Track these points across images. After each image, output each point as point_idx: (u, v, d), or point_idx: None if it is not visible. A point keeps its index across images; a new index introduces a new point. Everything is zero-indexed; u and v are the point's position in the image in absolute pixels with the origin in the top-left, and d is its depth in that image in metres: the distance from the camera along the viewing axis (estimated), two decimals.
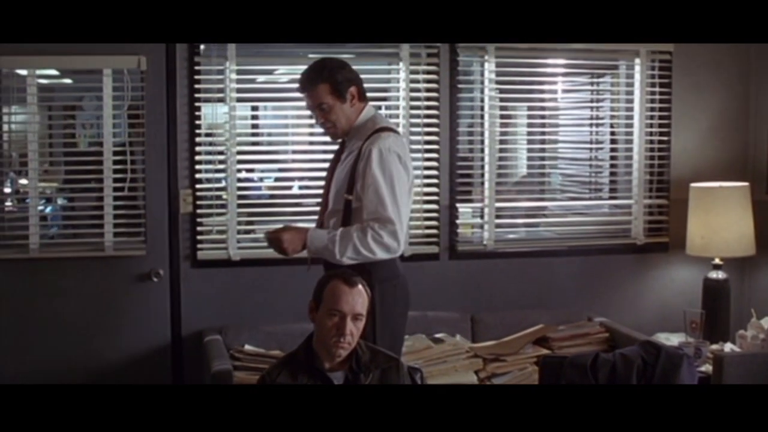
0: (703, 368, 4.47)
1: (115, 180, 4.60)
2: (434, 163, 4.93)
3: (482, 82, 5.02)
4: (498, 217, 5.10)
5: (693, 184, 5.00)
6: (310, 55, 4.63)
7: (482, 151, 5.04)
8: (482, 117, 5.03)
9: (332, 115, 3.50)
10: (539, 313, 4.89)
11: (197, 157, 4.66)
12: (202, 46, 4.63)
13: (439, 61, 4.87)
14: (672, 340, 4.74)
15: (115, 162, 4.61)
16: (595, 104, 5.47)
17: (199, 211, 4.68)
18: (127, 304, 4.62)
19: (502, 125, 5.17)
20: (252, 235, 4.84)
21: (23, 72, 4.50)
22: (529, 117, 5.50)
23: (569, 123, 5.47)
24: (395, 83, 4.92)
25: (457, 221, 4.99)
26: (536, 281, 5.10)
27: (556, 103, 5.38)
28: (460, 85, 4.95)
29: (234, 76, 4.66)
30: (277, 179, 5.25)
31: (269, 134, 5.51)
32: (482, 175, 5.05)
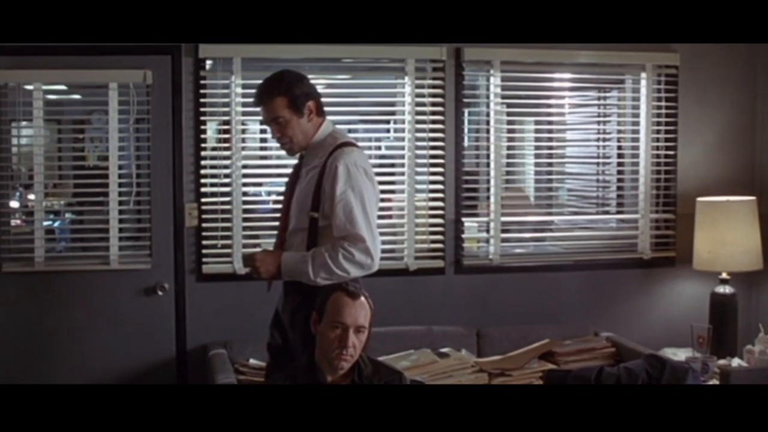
0: (710, 383, 4.44)
1: (121, 193, 4.62)
2: (440, 177, 4.92)
3: (488, 96, 5.02)
4: (504, 231, 5.08)
5: (699, 198, 4.98)
6: (308, 67, 4.64)
7: (488, 165, 5.04)
8: (488, 131, 5.03)
9: (289, 130, 3.40)
10: (545, 328, 4.86)
11: (203, 171, 4.66)
12: (208, 62, 4.65)
13: (445, 75, 4.88)
14: (679, 355, 4.71)
15: (121, 176, 4.62)
16: (601, 119, 5.46)
17: (204, 224, 4.68)
18: (132, 318, 4.62)
19: (508, 140, 5.16)
20: (257, 249, 4.83)
21: (30, 87, 4.51)
22: (535, 131, 5.48)
23: (575, 138, 5.46)
24: (401, 97, 4.93)
25: (463, 235, 4.98)
26: (542, 296, 5.08)
27: (563, 117, 5.37)
28: (465, 100, 4.96)
29: (239, 90, 4.67)
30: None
31: (278, 148, 5.48)
32: (488, 190, 5.04)
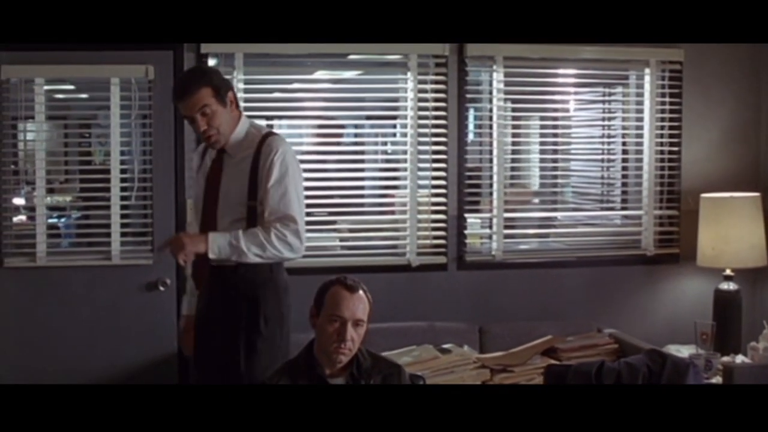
0: (713, 380, 4.42)
1: (123, 189, 4.62)
2: (442, 173, 4.91)
3: (491, 92, 5.00)
4: (507, 227, 5.07)
5: (704, 195, 4.96)
6: (311, 63, 4.63)
7: (491, 161, 5.02)
8: (491, 127, 5.02)
9: (215, 120, 3.34)
10: (548, 325, 4.84)
11: None
12: (210, 60, 4.64)
13: (447, 71, 4.86)
14: (682, 352, 4.68)
15: (123, 171, 4.62)
16: (606, 114, 5.45)
17: None
18: (134, 313, 4.62)
19: (511, 135, 5.14)
20: None
21: (34, 85, 4.52)
22: (539, 127, 5.47)
23: (579, 133, 5.44)
24: (403, 93, 4.92)
25: (466, 231, 4.96)
26: (545, 292, 5.06)
27: (566, 113, 5.35)
28: (468, 95, 4.94)
29: (242, 86, 4.67)
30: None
31: None
32: (491, 186, 5.03)
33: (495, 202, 5.01)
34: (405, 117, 4.91)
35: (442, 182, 4.92)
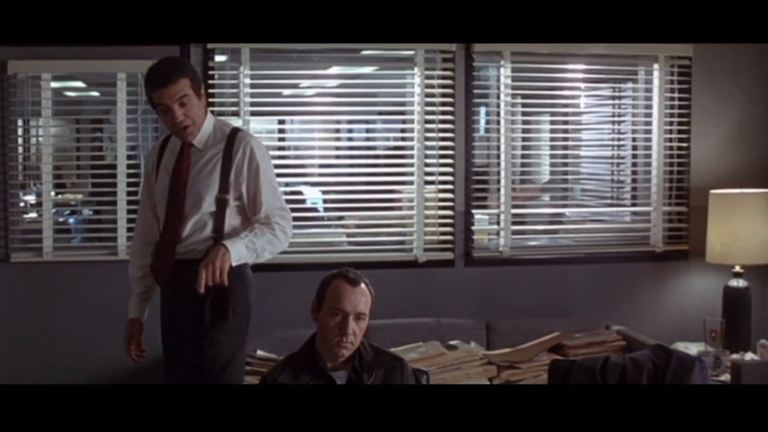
0: (722, 378, 4.39)
1: (129, 184, 4.62)
2: (449, 169, 4.90)
3: (498, 87, 4.98)
4: (515, 223, 5.05)
5: (713, 191, 4.92)
6: (317, 58, 4.62)
7: (498, 156, 5.00)
8: (498, 122, 5.00)
9: (192, 111, 3.27)
10: (556, 321, 4.82)
11: None
12: (218, 57, 4.64)
13: (455, 66, 4.85)
14: (691, 349, 4.64)
15: (129, 166, 4.62)
16: (615, 109, 5.42)
17: None
18: None
19: (519, 131, 5.12)
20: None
21: (41, 81, 4.54)
22: (547, 122, 5.45)
23: (587, 129, 5.42)
24: (410, 88, 4.91)
25: (473, 228, 4.94)
26: (553, 289, 5.04)
27: (574, 108, 5.33)
28: (475, 90, 4.92)
29: (248, 80, 4.67)
30: (288, 184, 5.24)
31: (295, 146, 5.48)
32: (498, 182, 5.01)
33: (503, 198, 4.99)
34: (412, 112, 4.90)
35: (450, 178, 4.90)
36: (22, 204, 4.70)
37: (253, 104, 4.72)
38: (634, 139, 5.29)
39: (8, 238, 4.56)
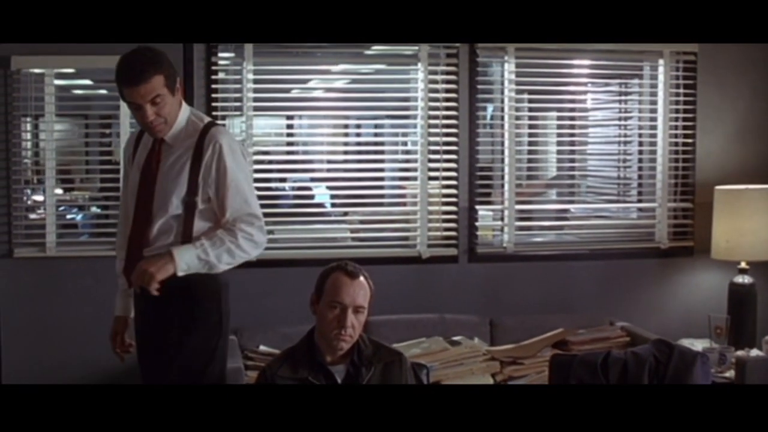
0: (727, 375, 4.37)
1: None
2: (453, 165, 4.89)
3: (502, 83, 4.97)
4: (519, 219, 5.03)
5: (718, 187, 4.90)
6: (321, 54, 4.61)
7: (502, 152, 4.99)
8: (502, 118, 4.98)
9: (164, 110, 3.05)
10: (560, 318, 4.81)
11: None
12: (222, 52, 4.64)
13: (458, 61, 4.84)
14: (696, 345, 4.62)
15: None
16: (621, 105, 5.40)
17: None
18: None
19: (524, 127, 5.11)
20: (269, 236, 4.81)
21: (45, 77, 4.54)
22: (551, 118, 5.43)
23: (592, 124, 5.40)
24: (414, 84, 4.90)
25: (477, 224, 4.93)
26: (557, 285, 5.03)
27: (579, 104, 5.31)
28: (479, 86, 4.91)
29: (251, 76, 4.67)
30: (288, 179, 5.26)
31: (303, 144, 5.48)
32: (502, 178, 5.00)
33: (507, 194, 4.98)
34: (416, 108, 4.89)
35: (453, 174, 4.89)
36: (26, 199, 4.72)
37: (256, 100, 4.72)
38: (639, 135, 5.27)
39: (12, 233, 4.57)
